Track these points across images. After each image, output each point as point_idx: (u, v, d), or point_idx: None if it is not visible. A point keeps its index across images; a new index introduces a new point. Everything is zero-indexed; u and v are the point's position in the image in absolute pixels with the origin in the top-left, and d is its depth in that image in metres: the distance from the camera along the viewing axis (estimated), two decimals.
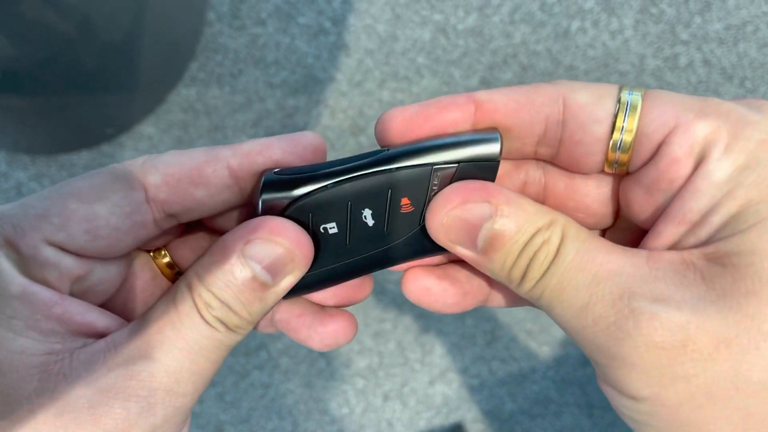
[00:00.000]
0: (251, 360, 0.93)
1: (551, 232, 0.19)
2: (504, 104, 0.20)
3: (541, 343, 0.94)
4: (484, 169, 0.20)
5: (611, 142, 0.20)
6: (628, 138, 0.20)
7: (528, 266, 0.20)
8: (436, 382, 0.94)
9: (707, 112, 0.19)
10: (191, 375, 0.19)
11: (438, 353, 0.94)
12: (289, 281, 0.21)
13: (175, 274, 0.25)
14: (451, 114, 0.21)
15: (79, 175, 0.21)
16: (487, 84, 0.92)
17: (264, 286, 0.20)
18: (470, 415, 0.95)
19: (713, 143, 0.19)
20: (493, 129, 0.21)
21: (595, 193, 0.23)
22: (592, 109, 0.20)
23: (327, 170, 0.21)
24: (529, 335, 0.94)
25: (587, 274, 0.19)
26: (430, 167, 0.20)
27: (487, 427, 0.95)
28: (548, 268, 0.19)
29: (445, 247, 0.21)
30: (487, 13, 0.92)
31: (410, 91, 0.92)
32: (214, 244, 0.21)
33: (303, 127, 0.92)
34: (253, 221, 0.21)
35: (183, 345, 0.19)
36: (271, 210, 0.21)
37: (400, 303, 0.92)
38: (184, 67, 0.91)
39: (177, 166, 0.21)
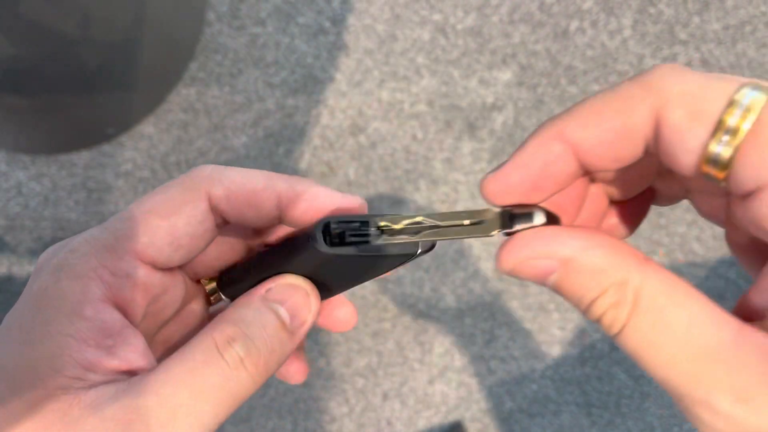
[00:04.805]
0: None
1: (621, 296, 0.17)
2: (596, 144, 0.18)
3: (540, 342, 0.94)
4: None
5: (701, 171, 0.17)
6: (719, 175, 0.17)
7: (601, 317, 0.18)
8: (435, 381, 0.95)
9: None
10: (188, 417, 0.20)
11: (437, 352, 0.94)
12: (303, 330, 0.23)
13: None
14: (552, 169, 0.19)
15: (156, 188, 0.23)
16: (485, 84, 0.92)
17: (284, 326, 0.22)
18: (469, 414, 0.95)
19: None
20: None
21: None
22: (684, 136, 0.17)
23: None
24: (527, 334, 0.94)
25: (665, 350, 0.17)
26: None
27: (486, 425, 0.95)
28: (621, 330, 0.18)
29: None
30: (486, 13, 0.92)
31: (409, 90, 0.92)
32: (235, 301, 0.23)
33: (302, 127, 0.92)
34: (271, 279, 0.23)
35: (190, 381, 0.20)
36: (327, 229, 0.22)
37: (399, 302, 0.92)
38: (183, 67, 0.91)
39: (239, 184, 0.23)
